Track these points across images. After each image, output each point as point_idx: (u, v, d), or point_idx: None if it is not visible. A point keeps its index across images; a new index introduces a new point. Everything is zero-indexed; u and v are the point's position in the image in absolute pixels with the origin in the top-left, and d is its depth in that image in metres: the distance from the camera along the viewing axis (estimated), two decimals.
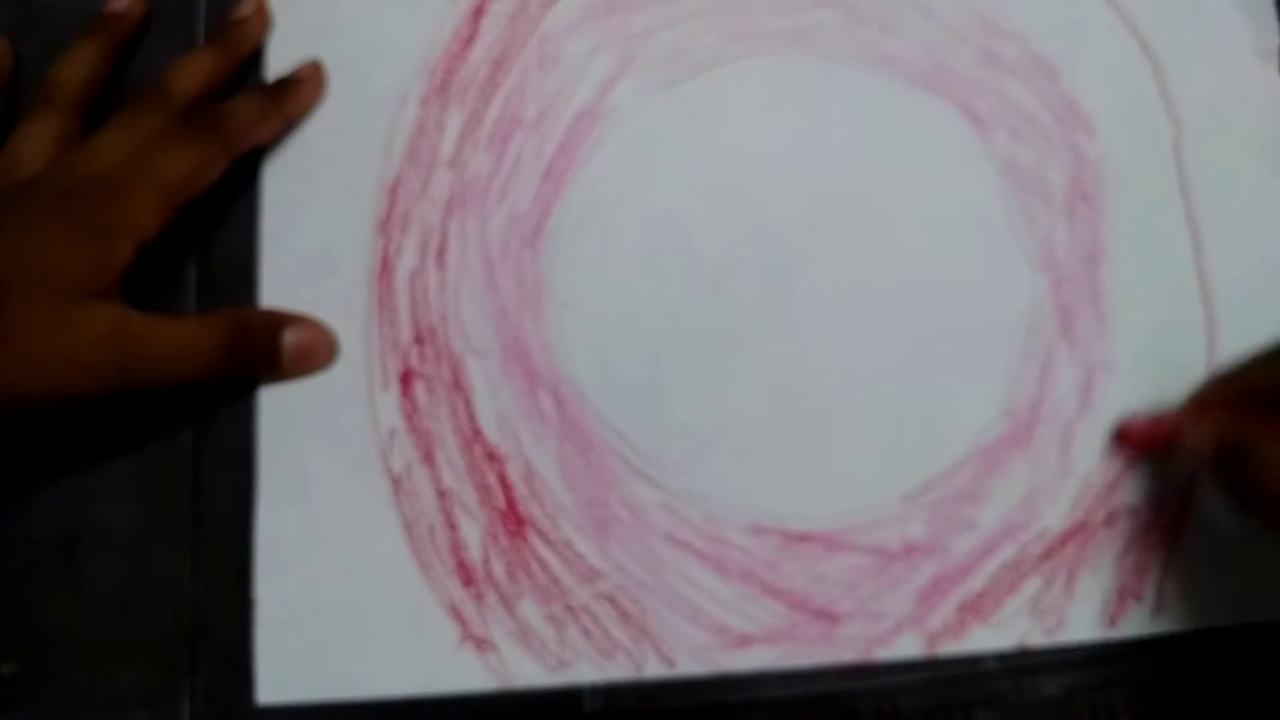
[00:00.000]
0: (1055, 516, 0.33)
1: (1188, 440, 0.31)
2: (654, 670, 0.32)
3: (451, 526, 0.32)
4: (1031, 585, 0.32)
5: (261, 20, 0.36)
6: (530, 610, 0.32)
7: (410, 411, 0.33)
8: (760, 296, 0.34)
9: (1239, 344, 0.34)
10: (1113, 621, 0.32)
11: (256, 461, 0.33)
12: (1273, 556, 0.33)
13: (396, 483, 0.33)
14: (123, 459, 0.33)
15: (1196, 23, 0.36)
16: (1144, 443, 0.33)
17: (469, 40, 0.36)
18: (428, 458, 0.33)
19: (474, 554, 0.32)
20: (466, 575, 0.32)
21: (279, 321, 0.33)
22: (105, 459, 0.33)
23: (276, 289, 0.34)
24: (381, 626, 0.32)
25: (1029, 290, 0.34)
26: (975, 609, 0.32)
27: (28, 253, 0.30)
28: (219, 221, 0.35)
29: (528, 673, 0.31)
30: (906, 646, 0.32)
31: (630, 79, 0.36)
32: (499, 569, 0.32)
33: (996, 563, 0.33)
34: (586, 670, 0.32)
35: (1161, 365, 0.34)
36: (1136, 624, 0.32)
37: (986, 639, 0.32)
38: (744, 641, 0.32)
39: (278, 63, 0.36)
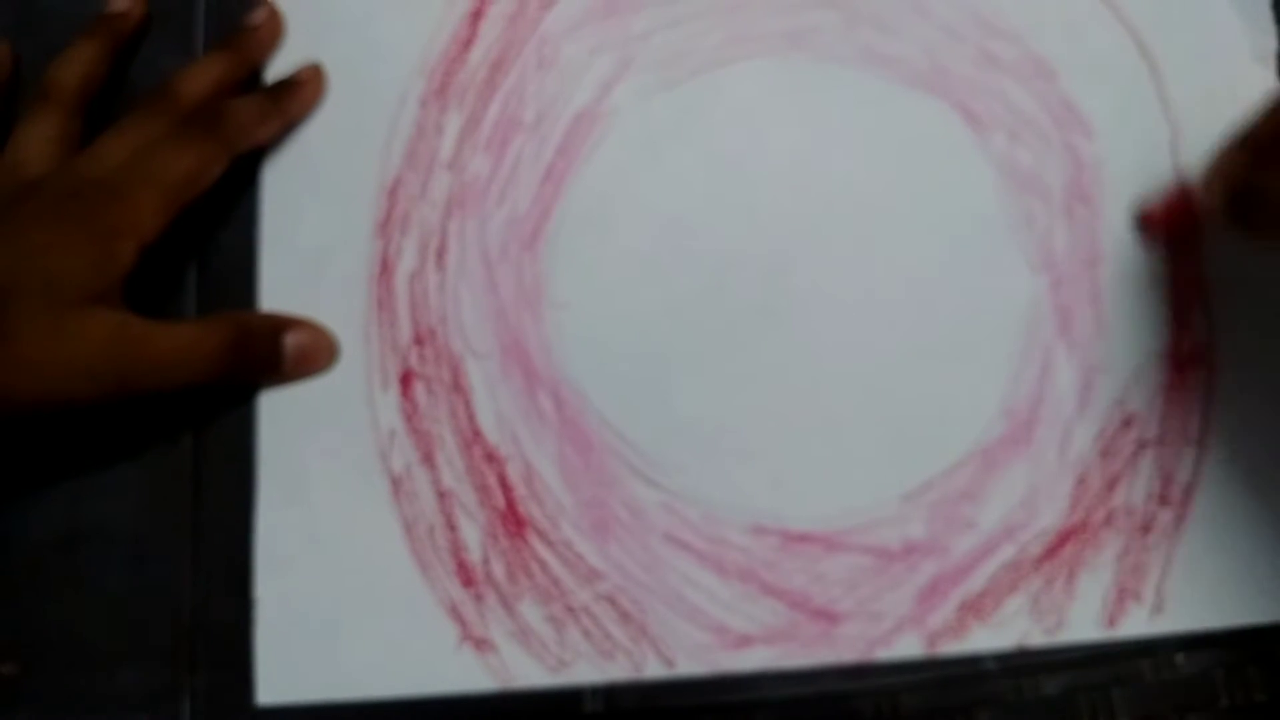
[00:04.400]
0: (1055, 516, 0.33)
1: (1204, 198, 0.32)
2: (653, 671, 0.32)
3: (451, 527, 0.32)
4: (1031, 585, 0.32)
5: (273, 29, 0.36)
6: (530, 611, 0.32)
7: (410, 412, 0.33)
8: (759, 297, 0.34)
9: (1234, 340, 0.34)
10: (1112, 622, 0.32)
11: (256, 462, 0.33)
12: (1272, 558, 0.33)
13: (396, 483, 0.33)
14: (123, 460, 0.33)
15: (1194, 24, 0.36)
16: (1166, 221, 0.34)
17: (468, 42, 0.36)
18: (427, 458, 0.33)
19: (474, 554, 0.32)
20: (466, 576, 0.32)
21: (279, 325, 0.33)
22: (106, 460, 0.33)
23: (276, 290, 0.34)
24: (381, 627, 0.32)
25: (1028, 291, 0.34)
26: (975, 609, 0.32)
27: (29, 256, 0.30)
28: (219, 223, 0.35)
29: (528, 673, 0.31)
30: (906, 646, 0.32)
31: (629, 81, 0.36)
32: (499, 569, 0.32)
33: (996, 563, 0.33)
34: (586, 671, 0.32)
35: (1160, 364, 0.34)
36: (1136, 624, 0.32)
37: (986, 639, 0.32)
38: (744, 642, 0.32)
39: (277, 64, 0.36)
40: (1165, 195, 0.34)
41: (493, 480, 0.33)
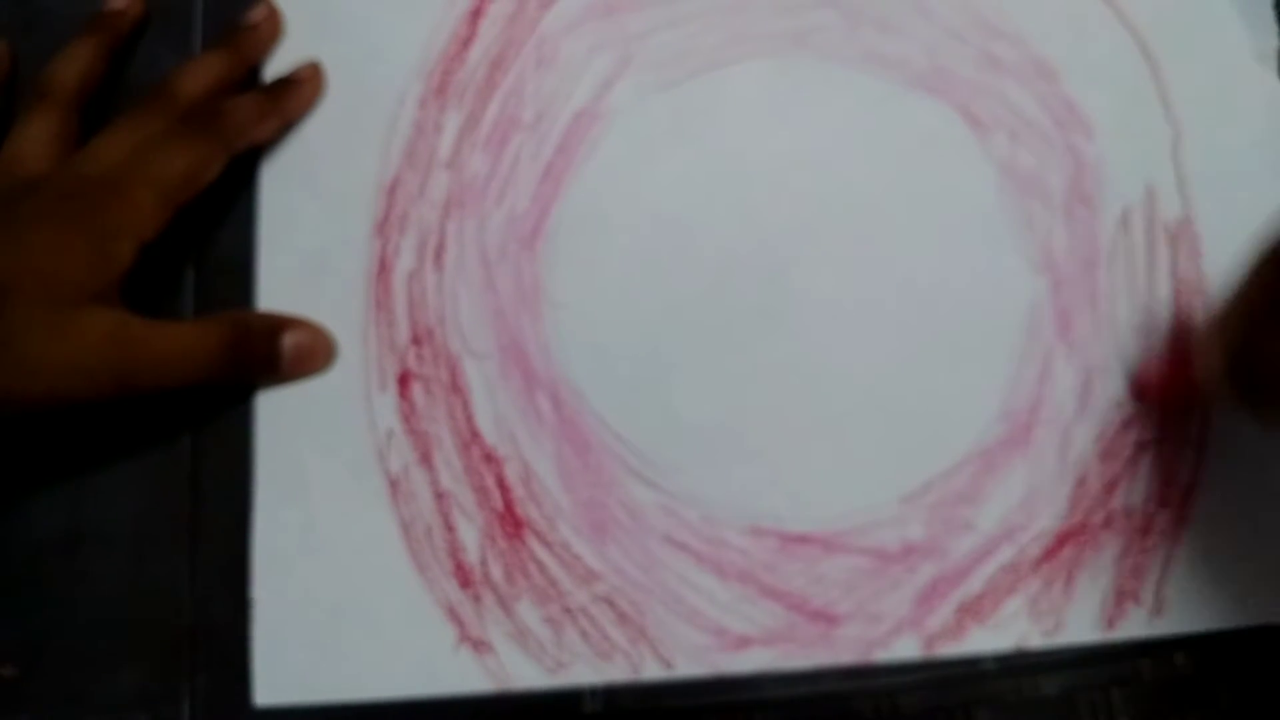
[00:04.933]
0: (1053, 518, 0.33)
1: (1201, 367, 0.31)
2: (651, 672, 0.32)
3: (449, 528, 0.32)
4: (1030, 587, 0.32)
5: (272, 27, 0.36)
6: (528, 612, 0.32)
7: (408, 413, 0.33)
8: (759, 298, 0.34)
9: None
10: (1111, 624, 0.32)
11: (254, 463, 0.33)
12: (1272, 560, 0.33)
13: (394, 484, 0.33)
14: (122, 461, 0.33)
15: (1195, 24, 0.36)
16: (1162, 388, 0.33)
17: (467, 41, 0.36)
18: (425, 459, 0.33)
19: (472, 555, 0.32)
20: (464, 577, 0.32)
21: (278, 325, 0.33)
22: (105, 462, 0.33)
23: (274, 290, 0.34)
24: (379, 628, 0.32)
25: (1028, 292, 0.34)
26: (973, 611, 0.32)
27: (28, 255, 0.30)
28: (217, 223, 0.35)
29: (525, 674, 0.31)
30: (905, 648, 0.32)
31: (628, 80, 0.36)
32: (497, 570, 0.32)
33: (995, 564, 0.33)
34: (584, 672, 0.32)
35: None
36: (1135, 627, 0.32)
37: (985, 641, 0.32)
38: (742, 643, 0.32)
39: (276, 63, 0.36)
40: (1161, 360, 0.34)
41: (491, 481, 0.33)
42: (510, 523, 0.33)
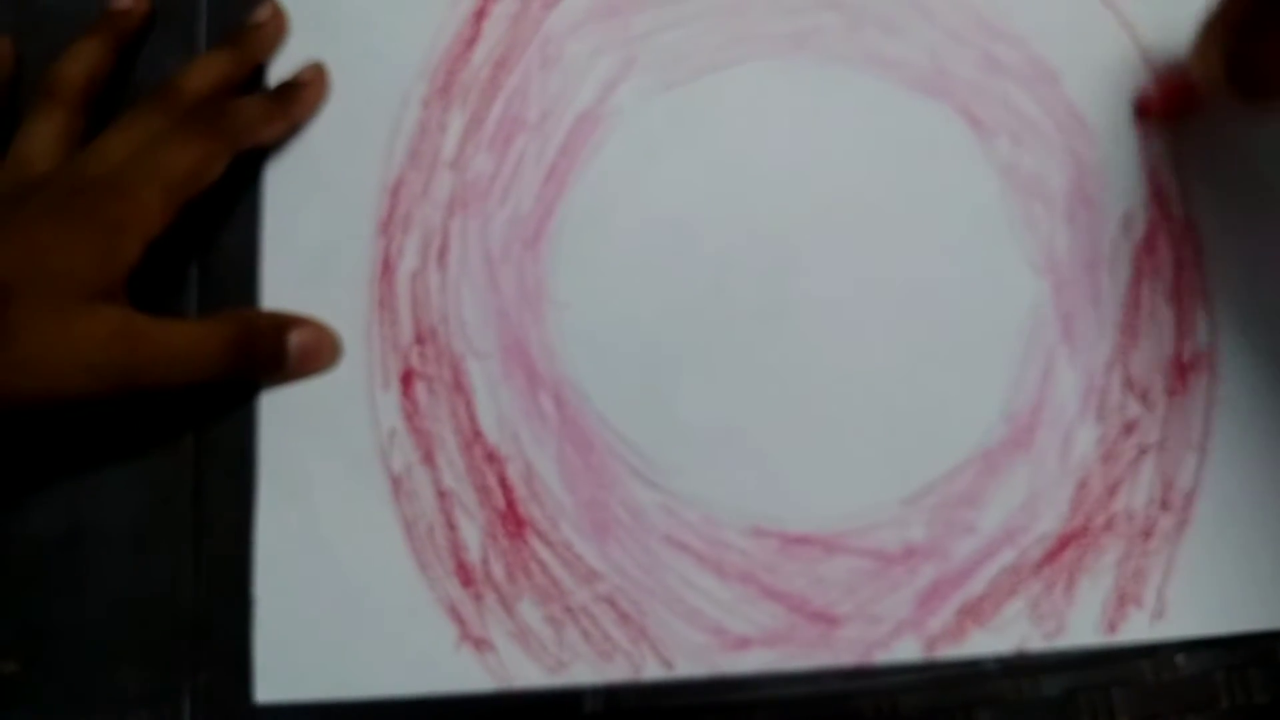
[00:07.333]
0: (1055, 521, 0.33)
1: (1200, 71, 0.32)
2: (652, 672, 0.32)
3: (451, 527, 0.33)
4: (1031, 590, 0.32)
5: (277, 26, 0.36)
6: (529, 611, 0.32)
7: (410, 412, 0.33)
8: (761, 299, 0.34)
9: (1237, 345, 0.34)
10: (1112, 627, 0.32)
11: (257, 461, 0.33)
12: (1274, 563, 0.33)
13: (396, 483, 0.33)
14: (125, 459, 0.33)
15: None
16: (1164, 104, 0.34)
17: (471, 42, 0.36)
18: (428, 458, 0.33)
19: (473, 554, 0.32)
20: (466, 576, 0.32)
21: (284, 323, 0.33)
22: (107, 459, 0.33)
23: (278, 289, 0.34)
24: (380, 626, 0.32)
25: (1030, 294, 0.34)
26: (974, 613, 0.32)
27: (34, 253, 0.30)
28: (221, 222, 0.35)
29: (526, 673, 0.32)
30: (905, 650, 0.32)
31: (632, 81, 0.36)
32: (498, 570, 0.32)
33: (996, 567, 0.33)
34: (585, 672, 0.32)
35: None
36: (1136, 630, 0.32)
37: (985, 643, 0.32)
38: (742, 644, 0.32)
39: (281, 62, 0.36)
40: (1158, 80, 0.35)
41: (493, 480, 0.33)
42: (512, 522, 0.33)
